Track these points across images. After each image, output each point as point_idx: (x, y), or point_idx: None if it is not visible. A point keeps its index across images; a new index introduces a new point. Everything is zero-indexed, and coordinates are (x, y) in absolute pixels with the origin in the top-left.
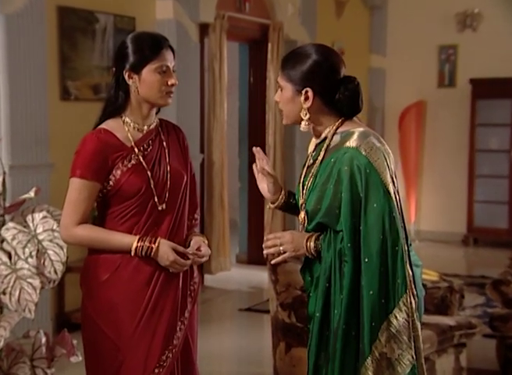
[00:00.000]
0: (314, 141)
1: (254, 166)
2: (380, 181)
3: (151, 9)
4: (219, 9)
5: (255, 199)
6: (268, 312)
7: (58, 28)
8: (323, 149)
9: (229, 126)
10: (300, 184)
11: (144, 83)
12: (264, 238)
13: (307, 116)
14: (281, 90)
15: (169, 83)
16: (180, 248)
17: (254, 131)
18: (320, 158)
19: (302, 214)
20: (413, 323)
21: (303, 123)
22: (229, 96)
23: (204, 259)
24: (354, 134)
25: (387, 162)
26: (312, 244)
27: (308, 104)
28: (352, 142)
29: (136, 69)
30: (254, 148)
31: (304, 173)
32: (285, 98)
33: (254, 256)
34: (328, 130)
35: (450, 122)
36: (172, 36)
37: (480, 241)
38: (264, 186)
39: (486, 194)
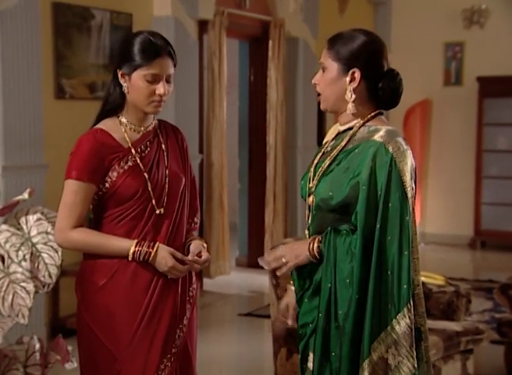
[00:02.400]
0: (334, 130)
1: None
2: (400, 182)
3: (148, 5)
4: (219, 6)
5: (255, 201)
6: (268, 317)
7: (53, 25)
8: (346, 138)
9: (228, 125)
10: (312, 168)
11: (132, 87)
12: (265, 258)
13: (353, 97)
14: (323, 70)
15: (157, 92)
16: (179, 255)
17: (255, 131)
18: (341, 145)
19: (311, 198)
20: (425, 332)
21: (350, 105)
22: (229, 95)
23: (203, 265)
24: (382, 130)
25: (411, 166)
26: (316, 244)
27: (354, 85)
28: (380, 137)
29: (127, 71)
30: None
31: (318, 159)
32: (328, 78)
33: (254, 260)
34: (356, 120)
35: (457, 121)
36: (170, 33)
37: (487, 244)
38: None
39: (494, 195)
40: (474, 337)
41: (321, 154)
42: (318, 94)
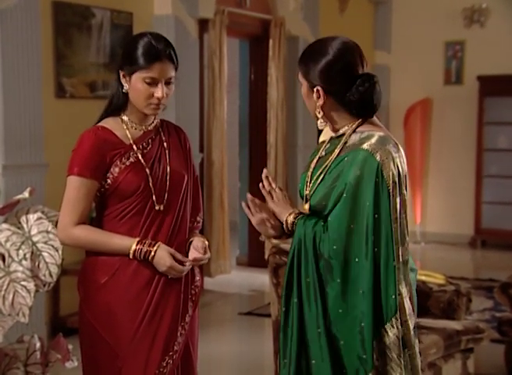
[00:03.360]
0: (327, 131)
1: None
2: (387, 192)
3: (148, 4)
4: (219, 4)
5: None
6: (269, 316)
7: (53, 24)
8: (339, 146)
9: (229, 124)
10: (309, 173)
11: (132, 88)
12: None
13: (321, 113)
14: (301, 84)
15: (155, 95)
16: (179, 256)
17: (255, 130)
18: (335, 154)
19: (306, 206)
20: (408, 341)
21: (318, 121)
22: (229, 94)
23: (202, 262)
24: (373, 137)
25: (400, 173)
26: (291, 218)
27: (320, 102)
28: (369, 146)
29: (127, 72)
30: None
31: (314, 164)
32: (303, 93)
33: (254, 259)
34: (346, 127)
35: (457, 120)
36: (171, 32)
37: (488, 243)
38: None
39: (494, 194)
40: (475, 336)
41: (316, 159)
42: None
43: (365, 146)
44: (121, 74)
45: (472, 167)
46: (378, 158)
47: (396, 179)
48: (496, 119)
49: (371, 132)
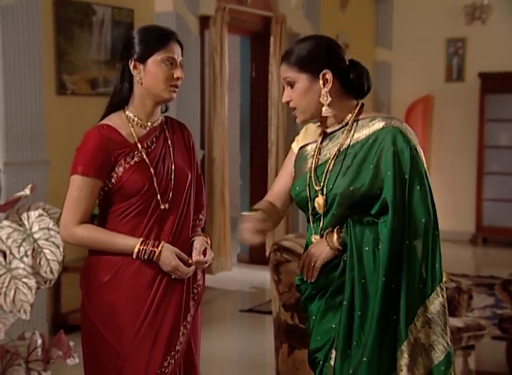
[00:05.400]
0: (308, 131)
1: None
2: (422, 164)
3: (149, 1)
4: (220, 1)
5: (257, 197)
6: (270, 313)
7: (54, 21)
8: (344, 133)
9: (230, 122)
10: (311, 174)
11: (148, 74)
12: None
13: (329, 99)
14: (291, 86)
15: (175, 75)
16: (184, 256)
17: (256, 127)
18: (346, 142)
19: (321, 199)
20: (447, 309)
21: (324, 108)
22: (231, 91)
23: (206, 265)
24: (382, 117)
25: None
26: (335, 236)
27: (329, 86)
28: (393, 123)
29: (142, 58)
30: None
31: (314, 164)
32: (299, 90)
33: (255, 256)
34: (349, 116)
35: (458, 117)
36: (172, 29)
37: (489, 240)
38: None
39: (495, 192)
40: (476, 333)
41: (315, 158)
42: (293, 109)
43: (387, 124)
44: (131, 65)
45: (473, 164)
46: (407, 133)
47: (421, 152)
48: (497, 116)
49: (374, 115)
